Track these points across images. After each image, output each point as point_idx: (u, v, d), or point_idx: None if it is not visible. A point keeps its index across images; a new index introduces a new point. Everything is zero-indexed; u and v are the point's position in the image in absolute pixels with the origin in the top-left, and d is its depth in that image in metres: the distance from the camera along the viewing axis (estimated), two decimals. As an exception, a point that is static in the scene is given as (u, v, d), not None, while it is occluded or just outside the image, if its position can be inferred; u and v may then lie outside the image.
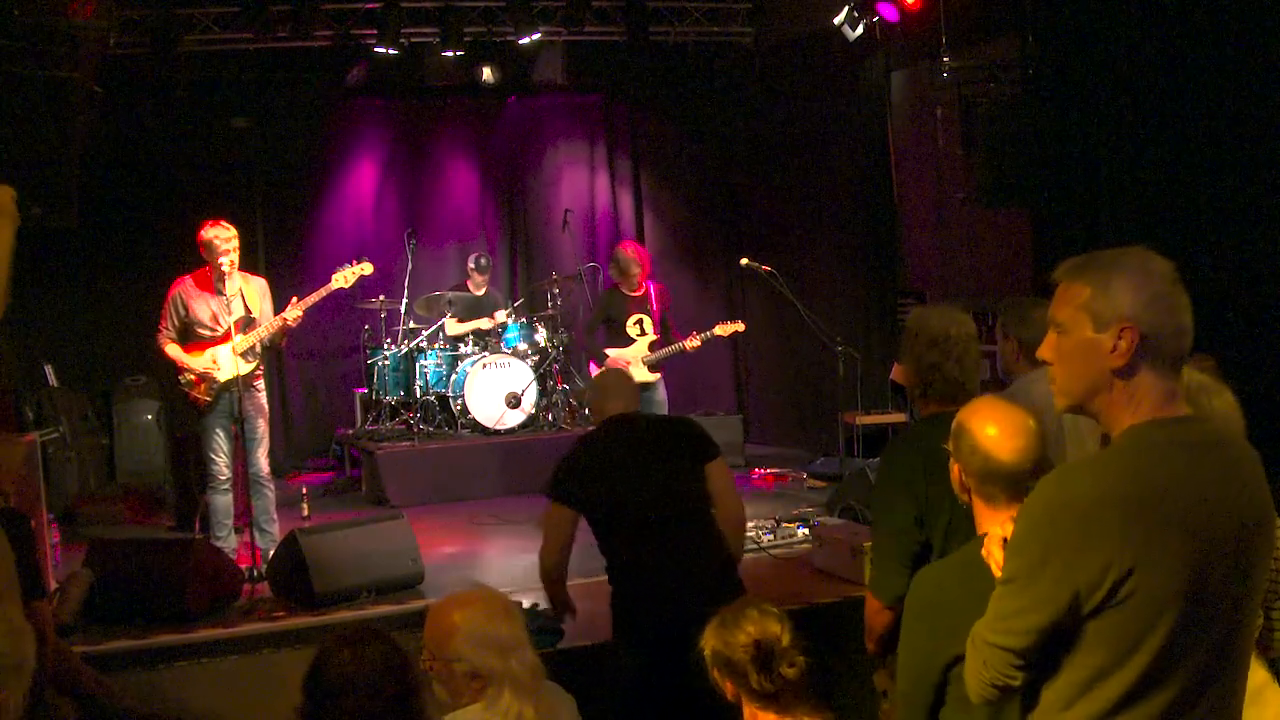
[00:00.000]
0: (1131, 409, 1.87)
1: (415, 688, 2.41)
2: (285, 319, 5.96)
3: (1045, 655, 1.86)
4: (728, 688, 2.60)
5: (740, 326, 7.74)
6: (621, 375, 4.31)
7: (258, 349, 6.05)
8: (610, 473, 3.80)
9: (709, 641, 2.61)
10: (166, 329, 5.99)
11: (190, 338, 5.99)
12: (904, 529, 2.92)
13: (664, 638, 3.45)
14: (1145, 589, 1.76)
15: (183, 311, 5.96)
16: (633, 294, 7.43)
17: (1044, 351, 1.96)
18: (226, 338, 5.95)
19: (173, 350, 5.98)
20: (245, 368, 5.93)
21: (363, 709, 2.32)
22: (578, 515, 3.80)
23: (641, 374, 7.37)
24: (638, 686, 3.58)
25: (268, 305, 6.10)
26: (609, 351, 7.35)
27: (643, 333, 7.43)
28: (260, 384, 6.17)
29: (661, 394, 7.39)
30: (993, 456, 2.29)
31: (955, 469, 2.41)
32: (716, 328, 7.61)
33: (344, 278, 6.39)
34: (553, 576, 3.90)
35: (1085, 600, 1.78)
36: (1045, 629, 1.82)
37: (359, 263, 6.48)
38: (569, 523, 3.81)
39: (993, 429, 2.32)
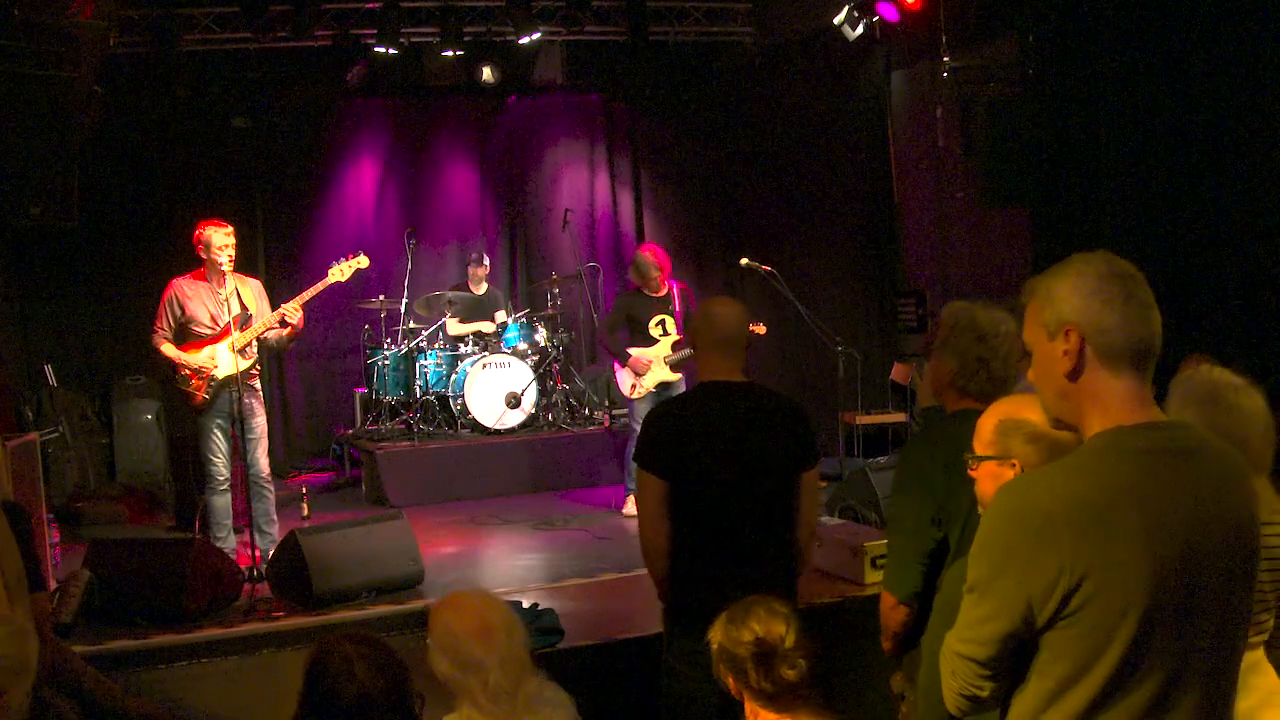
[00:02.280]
0: (1099, 414, 1.86)
1: (410, 691, 2.42)
2: (284, 311, 5.94)
3: (1015, 666, 1.85)
4: (730, 683, 2.63)
5: (762, 330, 7.58)
6: (728, 320, 3.48)
7: (254, 346, 6.04)
8: (697, 444, 3.34)
9: (715, 636, 2.63)
10: (161, 329, 5.99)
11: (187, 337, 5.98)
12: (920, 527, 2.91)
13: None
14: (1101, 597, 1.74)
15: (179, 311, 5.96)
16: (655, 295, 7.42)
17: (1030, 374, 1.98)
18: (224, 335, 5.95)
19: (168, 349, 5.97)
20: (243, 364, 5.91)
21: (359, 712, 2.33)
22: (665, 483, 3.35)
23: (664, 373, 7.37)
24: (687, 674, 3.36)
25: (265, 306, 6.10)
26: (632, 350, 7.37)
27: (665, 333, 7.41)
28: (257, 384, 6.16)
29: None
30: (1059, 441, 2.26)
31: (1004, 471, 2.34)
32: None
33: (340, 271, 6.37)
34: (650, 557, 3.41)
35: (1039, 609, 1.77)
36: (1005, 638, 1.82)
37: (354, 256, 6.47)
38: (658, 491, 3.35)
39: (1039, 416, 2.27)
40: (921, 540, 2.91)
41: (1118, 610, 1.74)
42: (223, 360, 5.92)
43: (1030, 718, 1.84)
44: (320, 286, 6.25)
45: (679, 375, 7.39)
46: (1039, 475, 1.88)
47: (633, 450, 7.35)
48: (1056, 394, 1.91)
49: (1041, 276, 1.93)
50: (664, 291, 7.43)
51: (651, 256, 7.38)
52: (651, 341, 7.40)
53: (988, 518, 1.88)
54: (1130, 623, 1.74)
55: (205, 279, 5.97)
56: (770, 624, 2.56)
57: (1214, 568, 1.80)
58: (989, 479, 2.40)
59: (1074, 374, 1.86)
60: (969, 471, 2.46)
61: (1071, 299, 1.85)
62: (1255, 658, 2.50)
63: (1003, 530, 1.83)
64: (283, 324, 5.98)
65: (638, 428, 7.37)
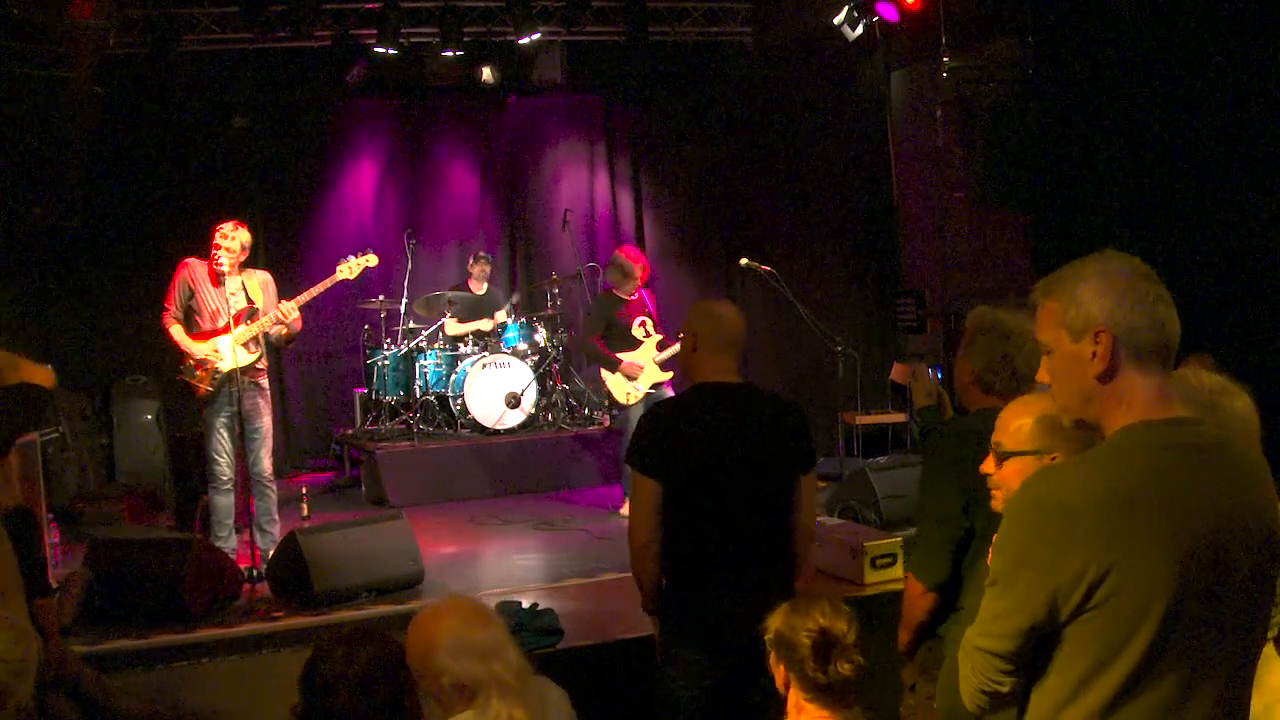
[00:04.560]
0: (1124, 410, 1.86)
1: (409, 688, 2.41)
2: (281, 312, 5.93)
3: (1034, 660, 1.85)
4: (780, 671, 2.64)
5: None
6: (735, 321, 3.48)
7: (260, 340, 6.03)
8: (693, 445, 3.33)
9: (775, 622, 2.65)
10: (173, 308, 5.97)
11: (190, 327, 5.98)
12: (950, 515, 2.95)
13: (717, 631, 3.30)
14: (1125, 591, 1.75)
15: (187, 294, 5.95)
16: (629, 298, 7.40)
17: (1040, 375, 1.98)
18: (226, 329, 5.94)
19: (177, 332, 5.94)
20: (247, 358, 5.91)
21: (355, 708, 2.33)
22: (662, 487, 3.33)
23: (656, 374, 7.36)
24: (683, 676, 3.38)
25: (271, 299, 6.06)
26: (622, 357, 7.31)
27: (648, 334, 7.39)
28: (264, 381, 6.12)
29: (670, 394, 7.37)
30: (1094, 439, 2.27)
31: (1021, 461, 2.35)
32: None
33: (349, 268, 6.35)
34: (639, 560, 3.39)
35: (1063, 602, 1.78)
36: (1027, 632, 1.82)
37: (364, 254, 6.45)
38: (653, 493, 3.33)
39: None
40: (951, 529, 2.95)
41: (1142, 604, 1.75)
42: (227, 353, 5.90)
43: (1050, 713, 1.84)
44: (329, 283, 6.25)
45: (670, 373, 7.38)
46: (1061, 469, 1.89)
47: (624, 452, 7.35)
48: (1081, 396, 1.90)
49: (1057, 277, 1.92)
50: (637, 295, 7.41)
51: (631, 258, 7.33)
52: (635, 343, 7.36)
53: (1010, 512, 1.88)
54: (1154, 617, 1.75)
55: (213, 270, 5.94)
56: (834, 619, 2.59)
57: (1237, 563, 1.81)
58: (1018, 476, 2.36)
59: (1106, 375, 1.86)
60: (982, 468, 2.45)
61: (1100, 301, 1.85)
62: (1266, 654, 2.50)
63: (1025, 524, 1.83)
64: (279, 323, 5.98)
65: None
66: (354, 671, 2.34)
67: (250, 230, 6.10)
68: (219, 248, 5.87)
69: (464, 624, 2.54)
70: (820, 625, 2.57)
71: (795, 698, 2.62)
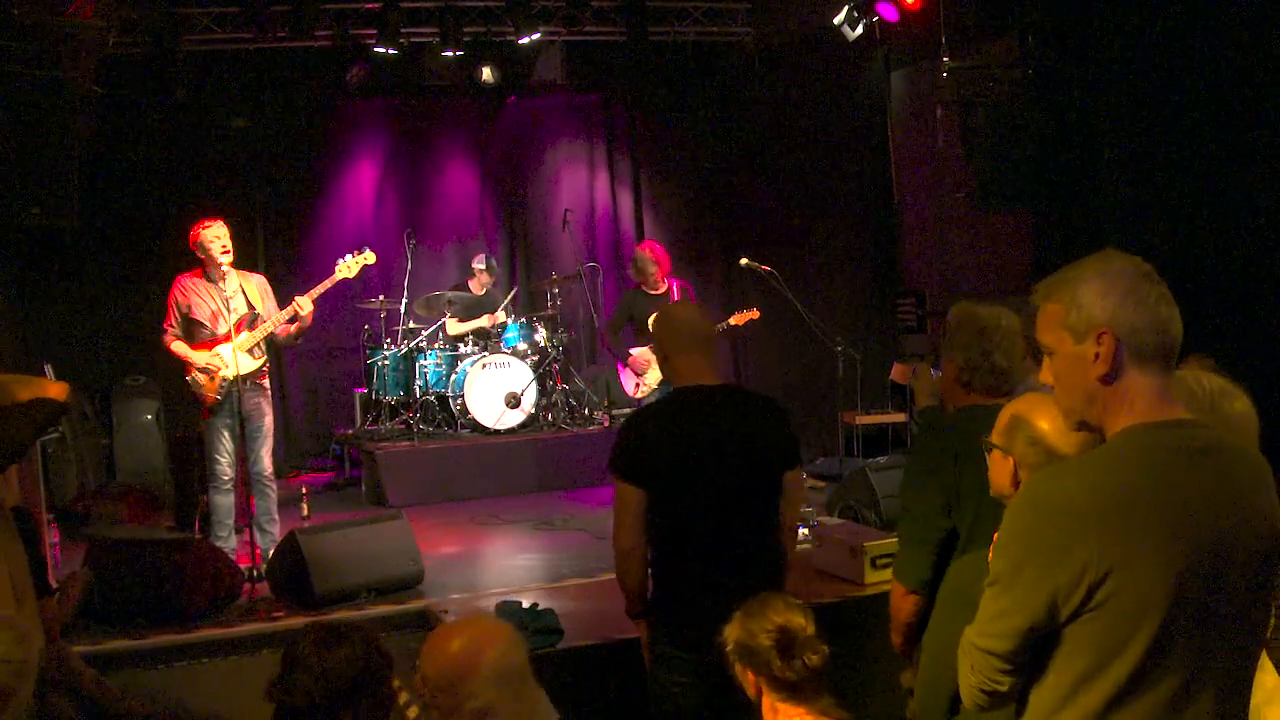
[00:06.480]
0: (1126, 411, 1.86)
1: (373, 690, 2.42)
2: (296, 306, 5.95)
3: (1033, 660, 1.85)
4: (749, 679, 2.64)
5: (755, 314, 7.60)
6: (693, 321, 3.49)
7: (263, 345, 6.04)
8: (679, 451, 3.33)
9: (733, 633, 2.66)
10: (171, 326, 6.00)
11: (192, 338, 5.99)
12: (932, 515, 2.95)
13: (705, 630, 3.30)
14: (1125, 593, 1.75)
15: (184, 309, 5.97)
16: (655, 293, 7.47)
17: (1043, 376, 1.98)
18: (228, 337, 5.95)
19: (178, 347, 5.97)
20: (251, 364, 5.92)
21: (311, 689, 2.36)
22: (645, 493, 3.36)
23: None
24: (677, 679, 3.37)
25: (271, 303, 6.10)
26: (632, 351, 7.42)
27: None
28: (265, 382, 6.14)
29: None
30: (1055, 450, 2.28)
31: (1006, 463, 2.39)
32: (731, 318, 7.62)
33: (348, 267, 6.38)
34: (626, 567, 3.44)
35: (1063, 603, 1.78)
36: (1026, 632, 1.82)
37: (361, 252, 6.47)
38: (638, 501, 3.36)
39: (1047, 423, 2.31)
40: (931, 528, 2.95)
41: (1141, 605, 1.75)
42: (230, 360, 5.90)
43: (1048, 713, 1.84)
44: (329, 283, 6.27)
45: None
46: (1063, 469, 1.88)
47: None
48: (1085, 397, 1.89)
49: (1057, 279, 1.91)
50: (663, 289, 7.48)
51: (649, 253, 7.48)
52: (650, 339, 7.43)
53: (1011, 511, 1.88)
54: (1152, 619, 1.75)
55: (205, 276, 5.98)
56: (789, 615, 2.60)
57: (1237, 565, 1.81)
58: (994, 466, 2.45)
59: (1109, 377, 1.85)
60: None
61: (1103, 302, 1.84)
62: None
63: (1027, 524, 1.83)
64: (291, 320, 5.99)
65: None
66: (323, 658, 2.36)
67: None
68: (216, 242, 5.89)
69: (504, 650, 2.51)
70: (778, 624, 2.58)
71: (769, 701, 2.62)
